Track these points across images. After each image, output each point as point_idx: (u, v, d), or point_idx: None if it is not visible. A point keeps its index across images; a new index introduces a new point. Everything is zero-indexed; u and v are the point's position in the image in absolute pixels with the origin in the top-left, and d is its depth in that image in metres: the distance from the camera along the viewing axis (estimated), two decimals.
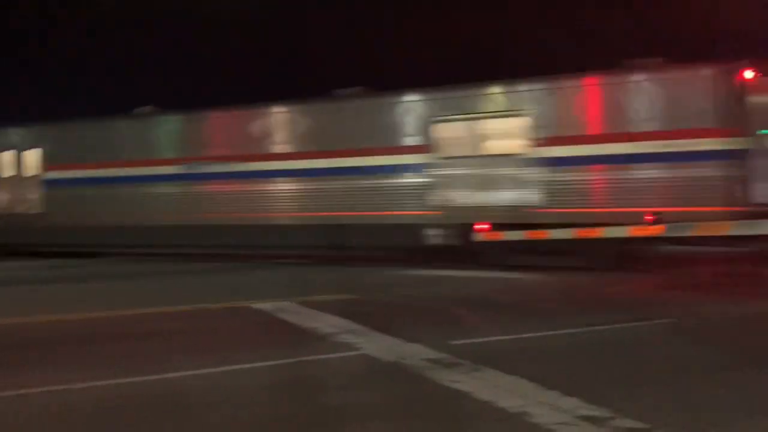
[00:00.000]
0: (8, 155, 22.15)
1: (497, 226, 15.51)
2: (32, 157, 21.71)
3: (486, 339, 8.40)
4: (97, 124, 21.34)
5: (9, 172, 22.14)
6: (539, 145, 15.38)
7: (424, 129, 16.85)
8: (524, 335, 8.60)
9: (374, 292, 12.90)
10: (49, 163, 21.36)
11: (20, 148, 21.98)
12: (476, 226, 15.57)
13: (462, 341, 8.11)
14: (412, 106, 17.33)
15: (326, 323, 9.43)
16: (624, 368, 6.95)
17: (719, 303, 10.91)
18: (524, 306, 11.29)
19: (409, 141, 17.12)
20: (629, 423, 5.01)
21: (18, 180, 21.92)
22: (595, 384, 6.23)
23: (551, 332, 8.74)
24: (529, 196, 15.44)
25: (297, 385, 6.55)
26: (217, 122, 20.01)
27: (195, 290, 13.89)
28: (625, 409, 5.29)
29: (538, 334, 8.67)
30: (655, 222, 13.23)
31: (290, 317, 10.06)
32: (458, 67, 24.41)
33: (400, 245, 17.22)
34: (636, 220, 13.86)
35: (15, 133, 22.49)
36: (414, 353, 7.50)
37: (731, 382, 6.31)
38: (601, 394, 5.72)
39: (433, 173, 16.67)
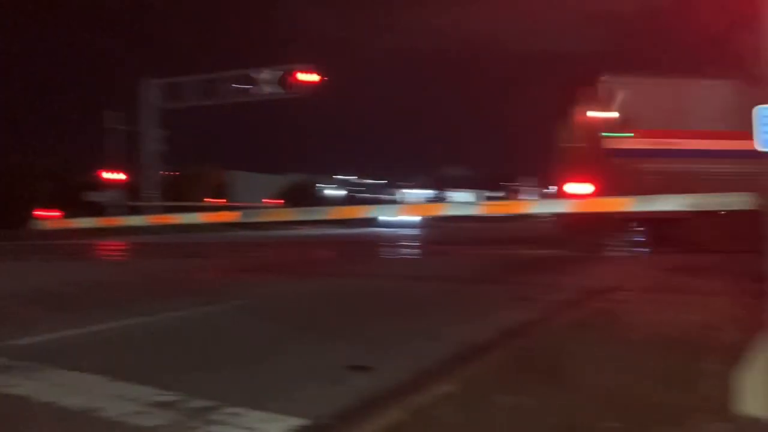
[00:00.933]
0: None
1: None
2: None
3: (51, 336, 7.63)
4: None
5: None
6: None
7: None
8: (95, 328, 8.07)
9: None
10: None
11: None
12: None
13: (20, 342, 7.23)
14: None
15: None
16: (200, 351, 7.05)
17: (284, 283, 11.94)
18: (97, 296, 10.68)
19: None
20: (201, 403, 5.08)
21: None
22: (170, 370, 6.16)
23: (125, 322, 8.41)
24: None
25: None
26: None
27: None
28: (199, 391, 5.34)
29: (111, 325, 8.24)
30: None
31: None
32: None
33: None
34: None
35: None
36: None
37: (297, 351, 6.92)
38: (176, 379, 5.69)
39: None
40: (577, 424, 4.38)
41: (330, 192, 65.52)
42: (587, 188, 17.48)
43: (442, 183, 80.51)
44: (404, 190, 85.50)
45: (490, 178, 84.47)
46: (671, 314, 8.16)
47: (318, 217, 7.61)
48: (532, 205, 8.75)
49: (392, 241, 30.20)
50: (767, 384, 3.89)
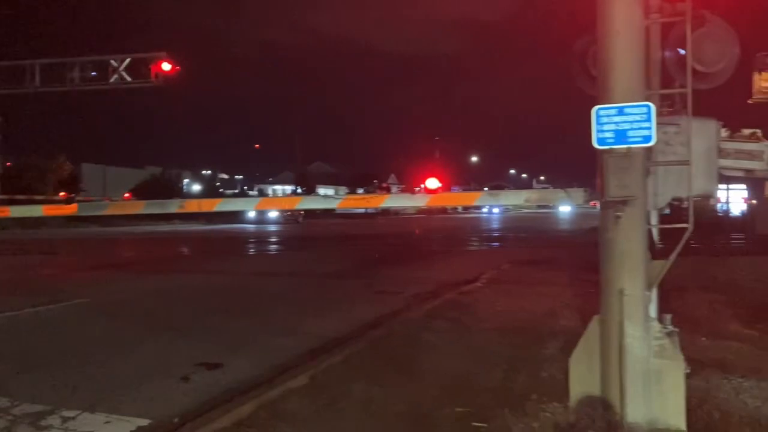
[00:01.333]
0: None
1: None
2: None
3: None
4: None
5: None
6: None
7: None
8: None
9: None
10: None
11: None
12: None
13: None
14: None
15: None
16: (36, 352, 6.55)
17: (134, 280, 11.39)
18: None
19: None
20: (33, 407, 4.72)
21: None
22: None
23: None
24: None
25: None
26: None
27: None
28: (33, 395, 4.98)
29: None
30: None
31: None
32: None
33: None
34: None
35: None
36: None
37: (146, 350, 6.61)
38: (5, 383, 5.27)
39: None
40: (425, 411, 4.47)
41: (195, 187, 63.45)
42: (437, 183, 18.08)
43: (307, 180, 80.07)
44: (273, 186, 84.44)
45: (359, 177, 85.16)
46: (519, 303, 8.58)
47: (169, 210, 7.29)
48: (387, 199, 8.92)
49: (253, 237, 29.70)
50: (595, 364, 4.16)
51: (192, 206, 7.36)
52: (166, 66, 16.08)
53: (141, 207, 7.80)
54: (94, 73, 26.60)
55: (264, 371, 5.67)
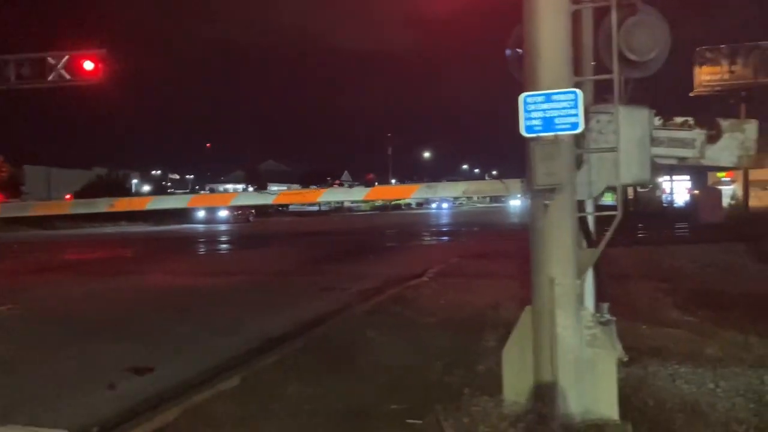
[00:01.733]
0: None
1: None
2: None
3: None
4: None
5: None
6: None
7: None
8: None
9: None
10: None
11: None
12: None
13: None
14: None
15: None
16: None
17: (68, 284, 11.00)
18: None
19: None
20: None
21: None
22: None
23: None
24: None
25: None
26: None
27: None
28: None
29: None
30: None
31: None
32: None
33: None
34: None
35: None
36: None
37: (73, 356, 6.34)
38: None
39: None
40: (360, 410, 4.34)
41: (145, 188, 62.23)
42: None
43: (259, 178, 79.17)
44: (225, 185, 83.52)
45: (313, 174, 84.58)
46: (464, 297, 8.53)
47: (98, 209, 6.93)
48: (325, 193, 8.73)
49: (202, 237, 29.16)
50: (527, 355, 4.08)
51: (122, 204, 7.08)
52: (88, 65, 15.45)
53: (68, 207, 7.48)
54: (30, 71, 25.71)
55: (195, 374, 5.47)
